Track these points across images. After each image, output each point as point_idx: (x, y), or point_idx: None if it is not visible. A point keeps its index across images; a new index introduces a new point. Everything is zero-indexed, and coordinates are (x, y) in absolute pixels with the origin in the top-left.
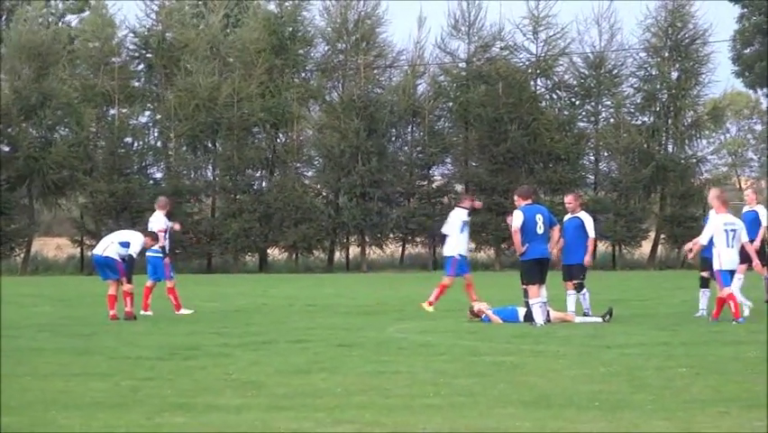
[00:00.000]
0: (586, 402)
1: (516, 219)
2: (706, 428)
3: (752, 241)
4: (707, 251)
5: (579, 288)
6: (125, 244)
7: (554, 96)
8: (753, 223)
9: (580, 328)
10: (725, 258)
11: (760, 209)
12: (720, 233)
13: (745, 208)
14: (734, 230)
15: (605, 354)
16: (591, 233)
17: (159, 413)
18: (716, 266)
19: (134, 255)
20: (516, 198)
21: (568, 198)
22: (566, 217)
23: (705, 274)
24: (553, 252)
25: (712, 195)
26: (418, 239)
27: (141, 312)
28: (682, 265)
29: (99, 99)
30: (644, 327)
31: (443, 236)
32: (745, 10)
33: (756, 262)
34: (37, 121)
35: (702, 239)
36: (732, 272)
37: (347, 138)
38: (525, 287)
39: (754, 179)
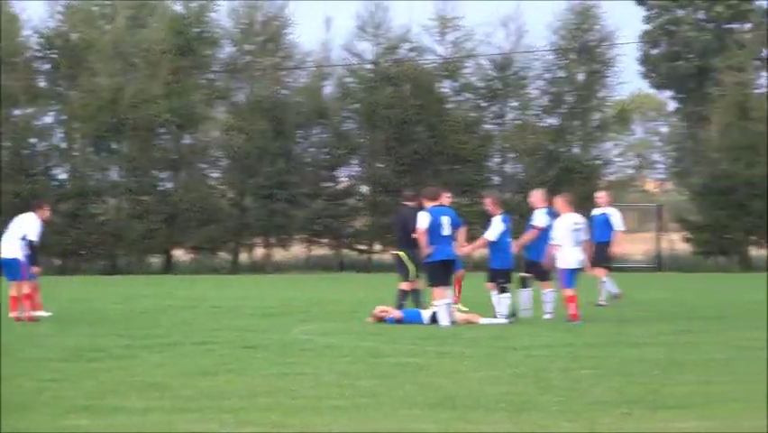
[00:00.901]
0: (492, 404)
1: (423, 221)
2: (610, 428)
3: (604, 243)
4: (531, 253)
5: (501, 290)
6: (24, 237)
7: (461, 98)
8: (603, 225)
9: (486, 330)
10: (570, 257)
11: (612, 212)
12: (569, 233)
13: (597, 211)
14: (579, 229)
15: (511, 355)
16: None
17: (63, 415)
18: (561, 265)
19: (35, 239)
20: (422, 199)
21: (488, 201)
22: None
23: (526, 275)
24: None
25: (557, 199)
26: (324, 240)
27: (37, 314)
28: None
29: (3, 99)
30: (549, 328)
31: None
32: (651, 11)
33: (587, 263)
34: None
35: (557, 240)
36: (576, 271)
37: (253, 139)
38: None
39: (658, 182)
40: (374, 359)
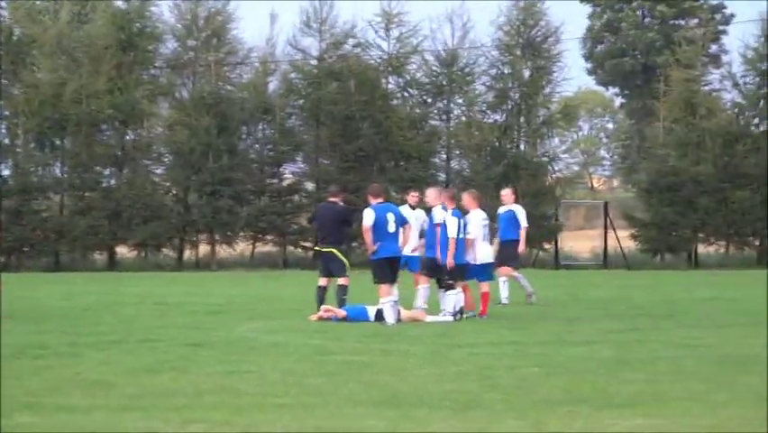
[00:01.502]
0: (437, 402)
1: (368, 218)
2: (557, 427)
3: (510, 241)
4: (430, 251)
5: (447, 287)
6: None
7: (406, 94)
8: (509, 222)
9: (431, 327)
10: (481, 252)
11: (517, 209)
12: (480, 229)
13: (502, 208)
14: (486, 225)
15: (455, 352)
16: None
17: (7, 414)
18: (471, 260)
19: None
20: (368, 196)
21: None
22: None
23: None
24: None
25: (465, 195)
26: (269, 237)
27: None
28: (534, 264)
29: None
30: (494, 326)
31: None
32: (596, 8)
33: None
34: None
35: (472, 234)
36: (487, 266)
37: (197, 135)
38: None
39: (605, 178)
40: (320, 357)
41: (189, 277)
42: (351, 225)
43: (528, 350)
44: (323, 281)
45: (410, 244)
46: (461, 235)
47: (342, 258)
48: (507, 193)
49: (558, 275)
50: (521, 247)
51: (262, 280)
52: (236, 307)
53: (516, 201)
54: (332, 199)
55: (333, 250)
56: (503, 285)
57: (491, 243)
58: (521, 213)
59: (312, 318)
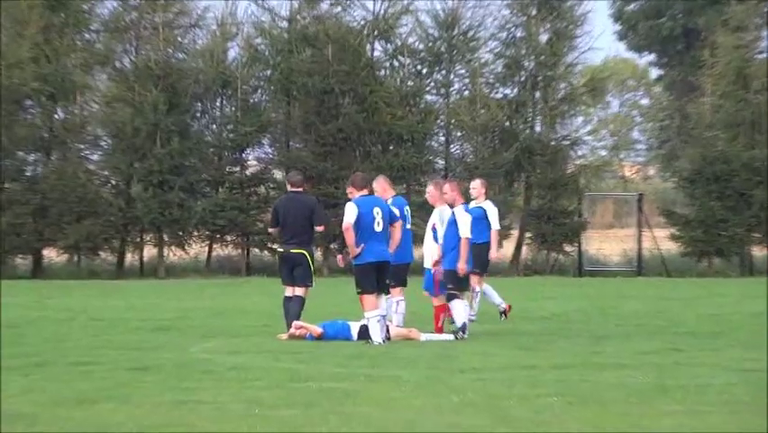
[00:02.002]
0: None
1: (350, 214)
2: None
3: (479, 245)
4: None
5: (449, 297)
6: None
7: (396, 64)
8: (478, 222)
9: (427, 348)
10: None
11: (488, 206)
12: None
13: (472, 204)
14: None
15: (457, 378)
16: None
17: None
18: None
19: None
20: (348, 188)
21: (446, 188)
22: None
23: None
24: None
25: (446, 187)
26: (229, 237)
27: None
28: (552, 270)
29: None
30: (505, 346)
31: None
32: None
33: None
34: None
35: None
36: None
37: (142, 113)
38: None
39: (639, 166)
40: (291, 384)
41: (132, 286)
42: (320, 223)
43: (545, 376)
44: (290, 291)
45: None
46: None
47: (311, 264)
48: (476, 186)
49: (582, 284)
50: (492, 253)
51: (220, 290)
52: (189, 322)
53: (488, 196)
54: (294, 189)
55: (305, 252)
56: (490, 293)
57: None
58: (492, 212)
59: (282, 337)
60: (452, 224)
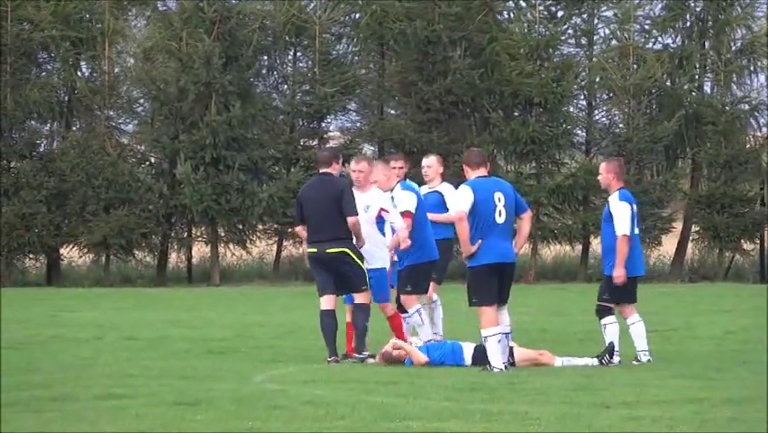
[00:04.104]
0: None
1: (463, 200)
2: None
3: (442, 240)
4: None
5: (600, 314)
6: None
7: (524, 4)
8: (436, 209)
9: (563, 376)
10: None
11: (445, 189)
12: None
13: (424, 189)
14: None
15: (603, 417)
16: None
17: None
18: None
19: None
20: (463, 166)
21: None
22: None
23: None
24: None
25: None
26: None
27: None
28: (727, 274)
29: None
30: (664, 375)
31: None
32: None
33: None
34: None
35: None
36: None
37: (191, 70)
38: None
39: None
40: (385, 423)
41: (177, 296)
42: (349, 214)
43: (717, 412)
44: (330, 302)
45: None
46: (635, 231)
47: (359, 261)
48: (431, 164)
49: (765, 293)
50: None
51: (292, 301)
52: (252, 343)
53: (444, 177)
54: (325, 171)
55: (346, 250)
56: (435, 309)
57: None
58: (452, 196)
59: (373, 362)
60: (609, 219)
